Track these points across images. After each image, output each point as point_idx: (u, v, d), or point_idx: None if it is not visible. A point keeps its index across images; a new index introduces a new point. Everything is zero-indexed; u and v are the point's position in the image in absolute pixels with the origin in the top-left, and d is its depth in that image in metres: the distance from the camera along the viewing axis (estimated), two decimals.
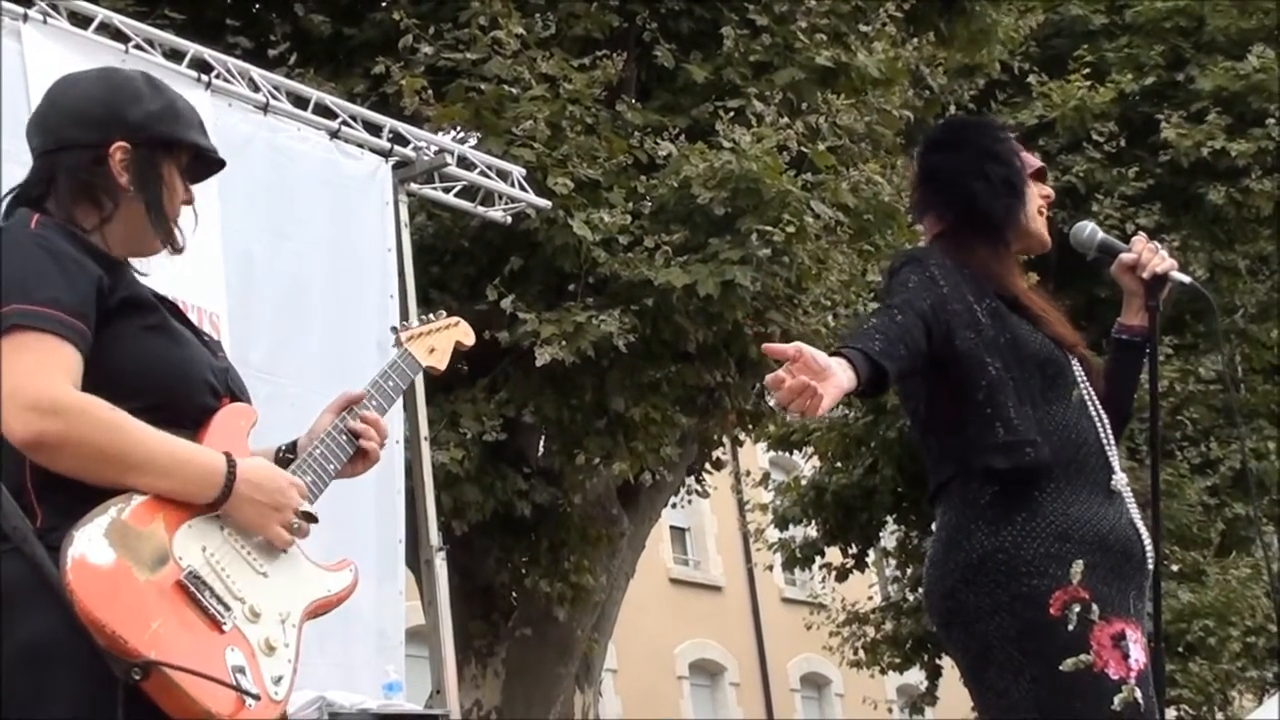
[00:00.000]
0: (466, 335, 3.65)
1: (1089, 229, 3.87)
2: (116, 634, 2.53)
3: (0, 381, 2.66)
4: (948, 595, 3.60)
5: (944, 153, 3.89)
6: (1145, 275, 3.75)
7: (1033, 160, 3.89)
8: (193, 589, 2.68)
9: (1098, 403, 3.73)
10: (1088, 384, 3.75)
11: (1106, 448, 3.69)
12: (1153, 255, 3.75)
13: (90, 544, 2.59)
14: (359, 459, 3.18)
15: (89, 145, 2.93)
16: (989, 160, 3.78)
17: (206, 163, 3.12)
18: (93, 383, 2.72)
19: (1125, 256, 3.77)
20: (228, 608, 2.72)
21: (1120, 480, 3.67)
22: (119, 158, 2.92)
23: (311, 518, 2.89)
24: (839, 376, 3.19)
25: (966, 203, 3.75)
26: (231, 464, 2.78)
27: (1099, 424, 3.70)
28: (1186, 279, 3.81)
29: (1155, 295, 3.76)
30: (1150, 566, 3.67)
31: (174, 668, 2.55)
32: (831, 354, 3.26)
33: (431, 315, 3.66)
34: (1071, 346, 3.77)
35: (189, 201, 3.06)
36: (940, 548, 3.64)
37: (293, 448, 3.16)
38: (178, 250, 3.03)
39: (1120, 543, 3.58)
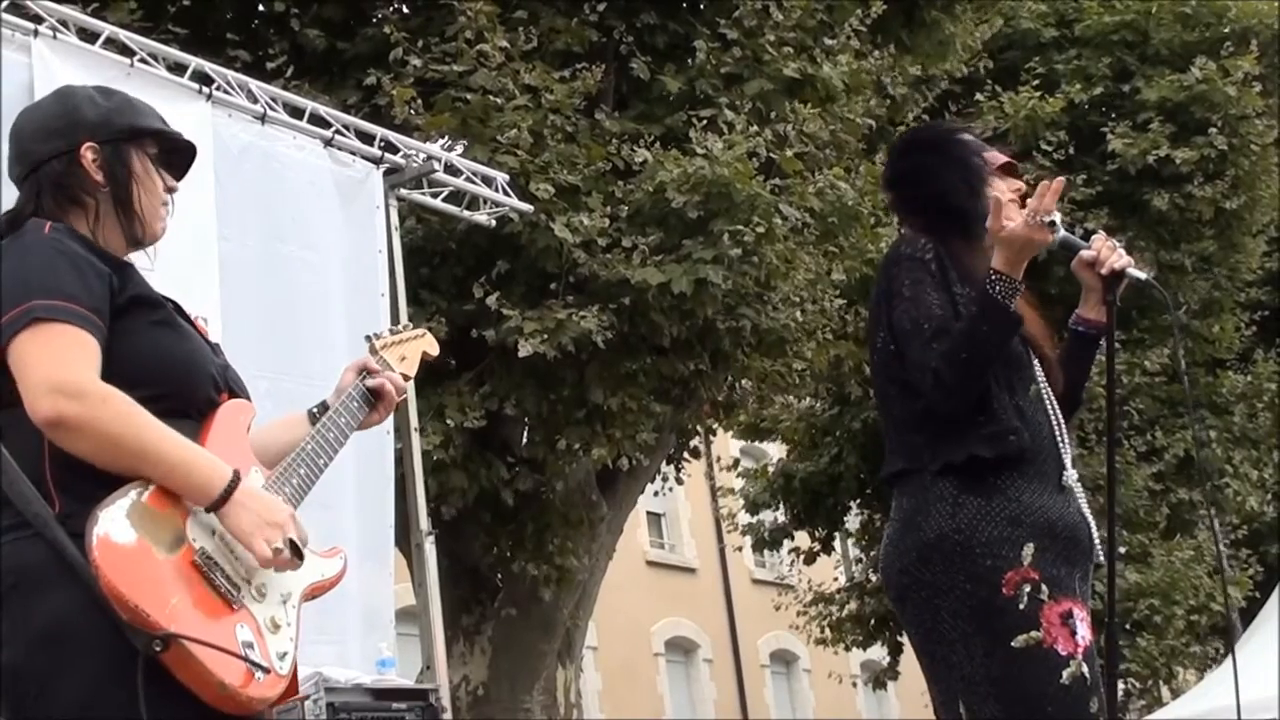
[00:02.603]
0: (432, 346, 3.72)
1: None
2: (139, 608, 2.57)
3: (27, 367, 2.69)
4: (904, 572, 3.62)
5: (909, 160, 3.91)
6: (1104, 271, 3.74)
7: (998, 156, 3.87)
8: (206, 569, 2.71)
9: (1054, 401, 3.75)
10: (1046, 384, 3.76)
11: (1060, 444, 3.70)
12: (1111, 252, 3.74)
13: (113, 524, 2.62)
14: (376, 410, 3.30)
15: (59, 154, 2.96)
16: (948, 165, 3.78)
17: (180, 153, 3.14)
18: (106, 373, 2.74)
19: (1085, 253, 3.76)
20: (236, 587, 2.75)
21: (1071, 476, 3.68)
22: (90, 158, 2.96)
23: (299, 554, 2.84)
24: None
25: (934, 205, 3.76)
26: (236, 479, 2.78)
27: (1055, 421, 3.72)
28: (1143, 275, 3.79)
29: (1113, 291, 3.75)
30: (1097, 553, 3.71)
31: (192, 640, 2.59)
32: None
33: (402, 325, 3.75)
34: (1036, 346, 3.79)
35: (172, 189, 3.09)
36: (898, 527, 3.66)
37: (324, 407, 3.25)
38: (139, 244, 3.04)
39: (1067, 529, 3.60)
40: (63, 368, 2.68)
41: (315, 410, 3.24)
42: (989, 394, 3.60)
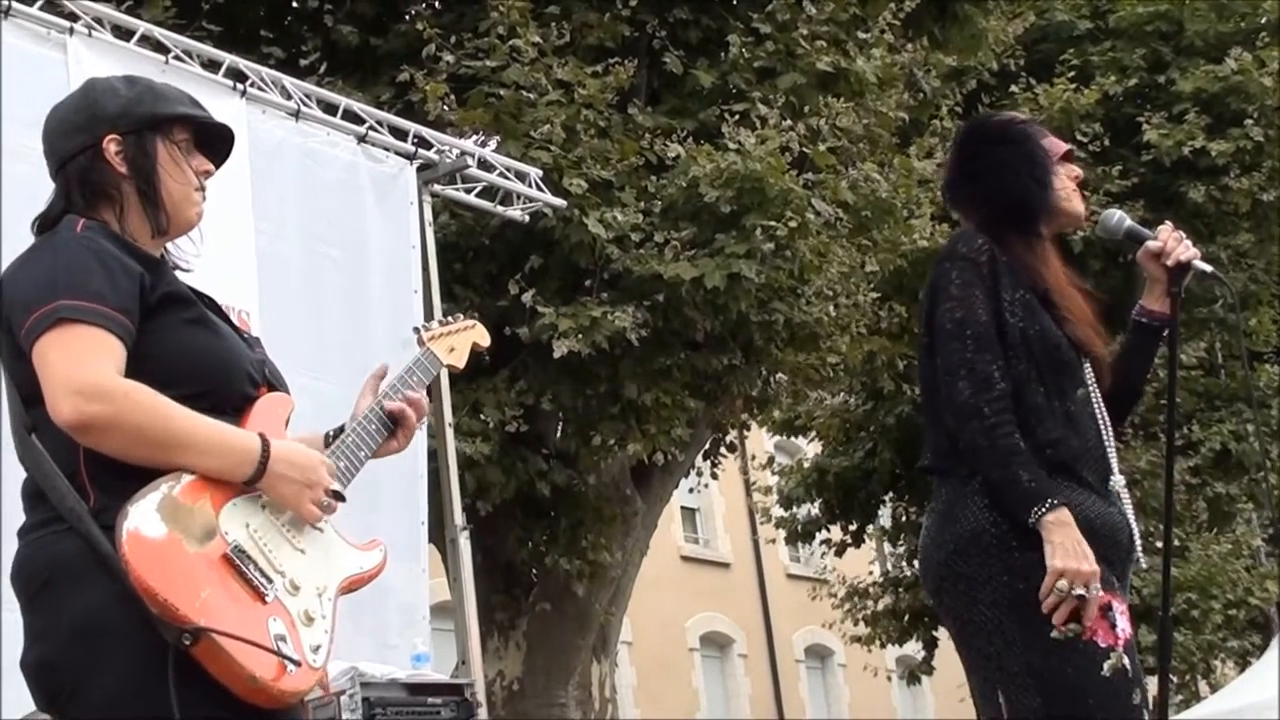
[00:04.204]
0: (483, 337, 3.65)
1: (1116, 216, 3.85)
2: (169, 602, 2.56)
3: (49, 370, 2.69)
4: (942, 565, 3.60)
5: (977, 152, 3.87)
6: (1170, 263, 3.72)
7: (1058, 144, 3.86)
8: (238, 562, 2.70)
9: (1103, 406, 3.72)
10: (1095, 387, 3.73)
11: (1107, 448, 3.68)
12: (1178, 244, 3.73)
13: (143, 518, 2.62)
14: (395, 437, 3.20)
15: (83, 149, 2.95)
16: (1018, 159, 3.77)
17: (217, 136, 3.10)
18: (139, 373, 2.73)
19: (1151, 244, 3.75)
20: (270, 580, 2.74)
21: (1118, 482, 3.66)
22: (113, 149, 2.94)
23: (340, 496, 2.89)
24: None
25: (1001, 198, 3.74)
26: (266, 444, 2.79)
27: (1102, 424, 3.70)
28: (1208, 268, 3.77)
29: (1178, 282, 3.74)
30: (1137, 556, 3.68)
31: (222, 634, 2.58)
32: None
33: (451, 317, 3.66)
34: (1088, 350, 3.76)
35: (208, 173, 3.05)
36: (936, 520, 3.65)
37: (340, 431, 3.18)
38: (166, 234, 3.01)
39: (1107, 529, 3.57)
40: (83, 369, 2.68)
41: (331, 434, 3.18)
42: (1037, 408, 3.59)
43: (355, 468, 3.08)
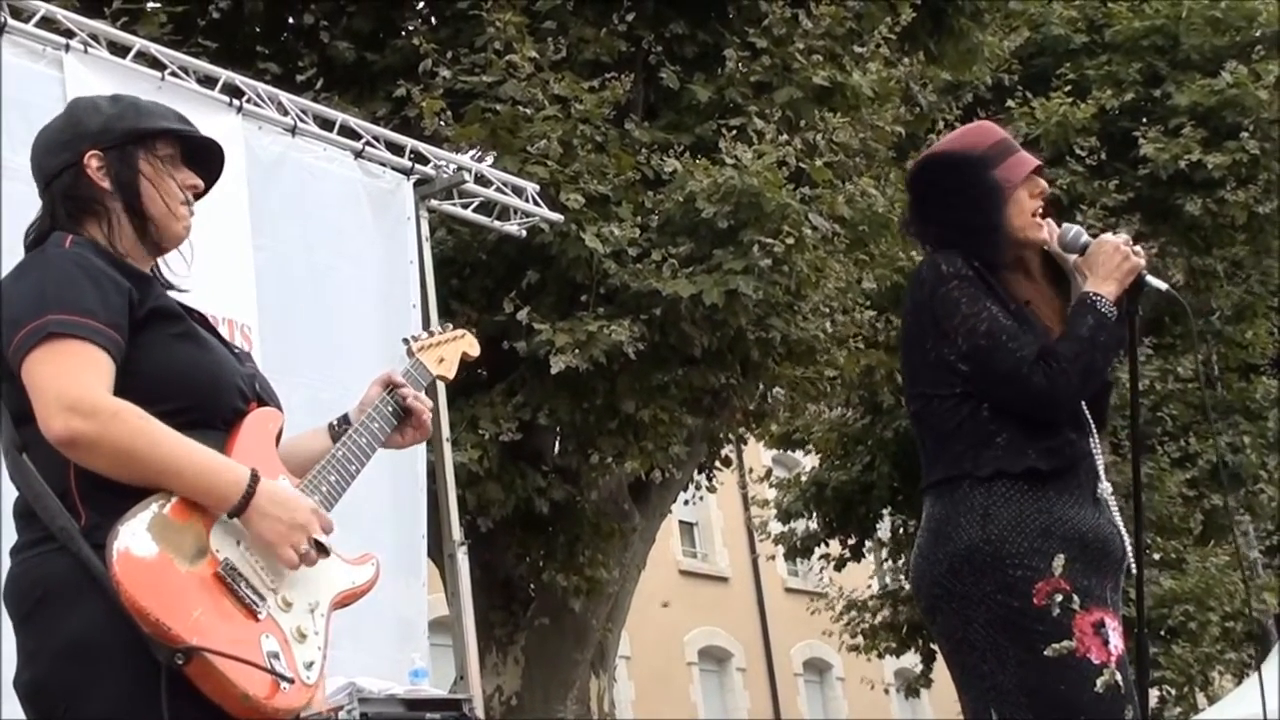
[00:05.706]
0: (472, 346, 3.65)
1: (1073, 231, 3.82)
2: (160, 622, 2.56)
3: (40, 385, 2.69)
4: (935, 583, 3.59)
5: (925, 194, 3.85)
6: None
7: (1022, 163, 3.76)
8: (229, 580, 2.70)
9: (1087, 413, 3.71)
10: None
11: (1095, 457, 3.67)
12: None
13: (134, 538, 2.61)
14: (402, 432, 3.22)
15: (66, 166, 2.95)
16: (964, 207, 3.71)
17: (205, 150, 3.10)
18: (127, 388, 2.73)
19: None
20: (262, 598, 2.74)
21: (1106, 489, 3.65)
22: (95, 165, 2.94)
23: (324, 550, 2.86)
24: None
25: (955, 246, 3.70)
26: (255, 479, 2.77)
27: (1090, 434, 3.69)
28: (1162, 285, 3.75)
29: (1134, 300, 3.72)
30: (1128, 564, 3.68)
31: (214, 653, 2.57)
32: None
33: (440, 327, 3.67)
34: None
35: (196, 188, 3.05)
36: (929, 538, 3.63)
37: (345, 420, 3.20)
38: (158, 248, 3.01)
39: (1099, 541, 3.57)
40: (74, 385, 2.67)
41: (335, 423, 3.20)
42: None
43: (370, 450, 3.10)
